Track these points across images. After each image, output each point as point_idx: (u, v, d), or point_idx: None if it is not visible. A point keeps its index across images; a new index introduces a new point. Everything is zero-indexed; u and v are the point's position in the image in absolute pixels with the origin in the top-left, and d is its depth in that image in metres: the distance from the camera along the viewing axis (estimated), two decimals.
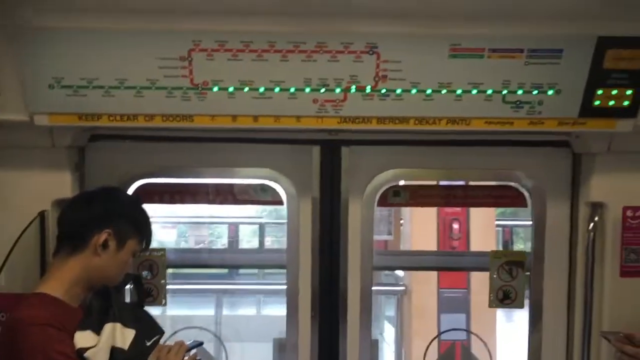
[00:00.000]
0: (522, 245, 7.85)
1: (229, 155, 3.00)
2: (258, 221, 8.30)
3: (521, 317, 3.35)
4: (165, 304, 3.12)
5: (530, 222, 3.10)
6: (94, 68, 2.44)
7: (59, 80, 2.46)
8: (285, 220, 3.09)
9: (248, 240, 9.09)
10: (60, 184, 2.78)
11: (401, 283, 6.76)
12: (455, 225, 6.34)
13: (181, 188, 3.19)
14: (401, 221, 6.66)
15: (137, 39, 2.40)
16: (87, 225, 2.34)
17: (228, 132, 2.83)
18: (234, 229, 8.27)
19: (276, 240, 8.60)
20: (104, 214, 2.36)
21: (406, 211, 6.48)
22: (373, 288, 3.12)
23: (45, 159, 2.75)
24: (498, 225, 7.47)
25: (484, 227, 6.63)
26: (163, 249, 3.07)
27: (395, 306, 6.77)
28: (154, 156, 2.98)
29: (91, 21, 2.35)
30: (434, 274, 6.43)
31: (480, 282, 5.46)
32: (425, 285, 6.60)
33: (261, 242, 8.44)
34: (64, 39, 2.39)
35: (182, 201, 3.23)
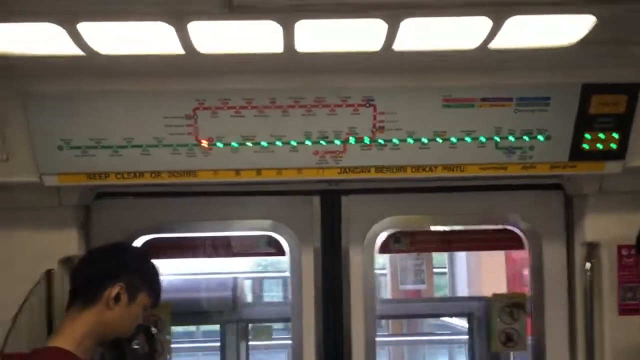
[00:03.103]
0: None
1: (231, 208, 3.06)
2: (281, 275, 7.98)
3: None
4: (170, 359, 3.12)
5: None
6: (102, 128, 2.52)
7: (68, 141, 2.53)
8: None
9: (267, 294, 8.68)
10: (66, 243, 2.82)
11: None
12: (525, 272, 6.07)
13: (186, 242, 3.23)
14: (443, 269, 6.56)
15: (144, 100, 2.49)
16: (100, 279, 2.38)
17: (230, 185, 2.90)
18: (257, 283, 8.03)
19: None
20: (116, 268, 2.41)
21: (457, 257, 6.28)
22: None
23: (52, 218, 2.80)
24: None
25: None
26: (168, 304, 3.09)
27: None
28: (158, 212, 3.04)
29: (98, 84, 2.45)
30: None
31: None
32: None
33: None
34: (72, 102, 2.48)
35: (187, 255, 3.27)
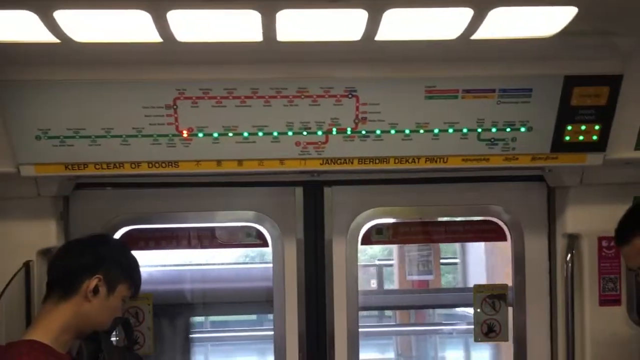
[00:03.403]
0: None
1: (213, 199, 3.04)
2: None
3: None
4: (154, 352, 3.10)
5: None
6: (80, 118, 2.49)
7: (46, 131, 2.50)
8: None
9: None
10: (45, 234, 2.79)
11: None
12: None
13: (166, 233, 3.21)
14: (455, 260, 6.55)
15: (123, 89, 2.46)
16: (78, 271, 2.35)
17: (212, 176, 2.88)
18: None
19: None
20: (95, 260, 2.38)
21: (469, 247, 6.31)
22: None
23: (30, 209, 2.77)
24: None
25: None
26: (150, 295, 3.07)
27: None
28: (138, 203, 3.02)
29: (77, 73, 2.41)
30: None
31: None
32: None
33: None
34: (50, 91, 2.44)
35: (167, 247, 3.24)
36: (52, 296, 2.36)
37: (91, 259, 2.38)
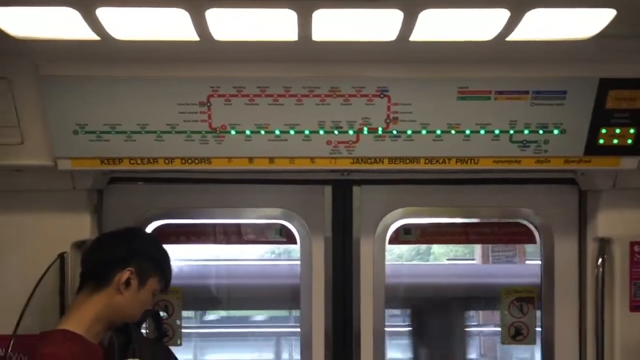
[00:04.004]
0: None
1: (244, 196, 3.07)
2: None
3: None
4: (180, 344, 3.14)
5: None
6: (116, 114, 2.53)
7: (83, 126, 2.55)
8: None
9: None
10: (79, 227, 2.84)
11: None
12: None
13: (196, 229, 3.25)
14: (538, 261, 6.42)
15: (159, 86, 2.50)
16: (111, 263, 2.40)
17: (242, 173, 2.91)
18: None
19: None
20: (127, 253, 2.43)
21: None
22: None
23: (65, 201, 2.82)
24: None
25: None
26: (179, 289, 3.11)
27: None
28: (170, 198, 3.05)
29: (115, 70, 2.45)
30: None
31: None
32: None
33: None
34: (88, 87, 2.49)
35: (197, 242, 3.29)
36: (85, 287, 2.42)
37: (124, 252, 2.43)
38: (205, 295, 3.45)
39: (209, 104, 2.53)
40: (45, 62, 2.42)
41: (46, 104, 2.49)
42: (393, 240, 3.21)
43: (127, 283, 2.39)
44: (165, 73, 2.46)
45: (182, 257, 3.57)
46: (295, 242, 3.16)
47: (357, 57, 2.43)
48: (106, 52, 2.32)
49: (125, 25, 2.07)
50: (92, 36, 2.10)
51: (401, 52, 2.33)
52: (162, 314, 3.00)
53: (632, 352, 2.90)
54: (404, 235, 3.24)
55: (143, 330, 2.75)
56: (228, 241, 3.31)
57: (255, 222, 3.26)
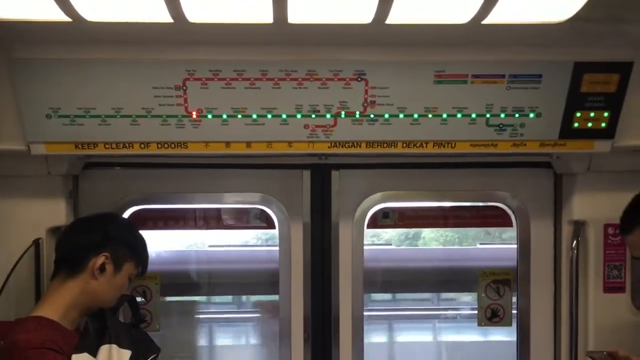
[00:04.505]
0: None
1: (221, 181, 3.06)
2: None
3: None
4: (159, 330, 3.14)
5: None
6: (90, 98, 2.50)
7: (56, 110, 2.51)
8: None
9: None
10: (54, 212, 2.81)
11: None
12: None
13: (174, 214, 3.23)
14: None
15: (133, 69, 2.46)
16: (85, 249, 2.38)
17: (220, 158, 2.89)
18: None
19: None
20: (102, 238, 2.40)
21: None
22: None
23: (40, 187, 2.79)
24: None
25: None
26: (158, 275, 3.10)
27: None
28: (147, 183, 3.03)
29: (88, 52, 2.42)
30: None
31: None
32: None
33: None
34: (61, 70, 2.45)
35: (175, 227, 3.27)
36: (59, 273, 2.39)
37: (98, 237, 2.41)
38: (184, 281, 3.42)
39: (184, 88, 2.51)
40: (17, 44, 2.38)
41: (18, 88, 2.45)
42: (371, 225, 3.22)
43: (102, 268, 2.36)
44: (139, 56, 2.43)
45: (161, 244, 3.55)
46: (274, 227, 3.16)
47: (333, 40, 2.42)
48: (79, 34, 2.28)
49: (97, 6, 2.04)
50: (64, 17, 2.07)
51: (378, 35, 2.32)
52: (139, 299, 2.99)
53: (606, 333, 2.96)
54: (382, 219, 3.25)
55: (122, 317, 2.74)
56: (207, 226, 3.29)
57: (234, 207, 3.24)
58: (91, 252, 2.36)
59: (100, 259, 2.36)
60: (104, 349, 2.31)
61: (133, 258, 2.45)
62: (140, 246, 2.52)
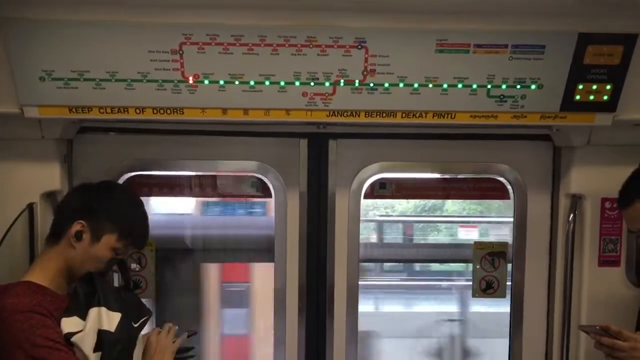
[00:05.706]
0: None
1: (218, 148, 3.02)
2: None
3: None
4: (156, 298, 3.14)
5: None
6: (85, 60, 2.45)
7: (50, 72, 2.46)
8: None
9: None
10: (48, 177, 2.78)
11: None
12: None
13: (170, 181, 3.21)
14: None
15: (129, 32, 2.41)
16: (66, 215, 2.36)
17: (217, 125, 2.86)
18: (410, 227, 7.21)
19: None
20: (81, 206, 2.37)
21: None
22: None
23: (34, 151, 2.75)
24: None
25: None
26: (152, 242, 3.08)
27: None
28: (142, 149, 3.00)
29: (82, 13, 2.36)
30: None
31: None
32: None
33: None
34: (54, 32, 2.40)
35: (170, 194, 3.24)
36: (49, 239, 2.38)
37: (78, 204, 2.37)
38: (179, 246, 3.41)
39: (181, 52, 2.46)
40: (8, 4, 2.32)
41: (11, 49, 2.40)
42: (368, 195, 3.20)
43: (78, 236, 2.32)
44: (135, 18, 2.38)
45: (157, 210, 3.53)
46: (270, 196, 3.14)
47: (334, 6, 2.37)
48: None
49: None
50: None
51: (380, 1, 2.28)
52: (134, 266, 2.98)
53: (599, 307, 2.98)
54: (379, 190, 3.23)
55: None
56: (203, 194, 3.27)
57: (231, 174, 3.22)
58: (70, 219, 2.33)
59: (75, 226, 2.32)
60: (93, 312, 2.28)
61: (114, 231, 2.36)
62: (129, 220, 2.42)
